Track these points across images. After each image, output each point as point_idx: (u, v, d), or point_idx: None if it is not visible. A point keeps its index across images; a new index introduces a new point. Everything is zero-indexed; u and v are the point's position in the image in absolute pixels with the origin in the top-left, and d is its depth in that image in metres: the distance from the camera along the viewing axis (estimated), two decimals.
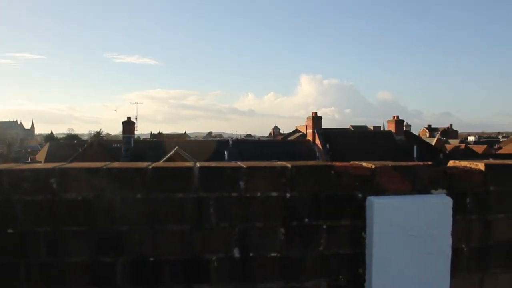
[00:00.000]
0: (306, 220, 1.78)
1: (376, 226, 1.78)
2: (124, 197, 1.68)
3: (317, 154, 33.35)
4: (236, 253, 1.74)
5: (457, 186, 1.95)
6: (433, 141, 57.67)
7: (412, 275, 1.83)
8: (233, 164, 1.77)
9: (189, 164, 1.75)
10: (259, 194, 1.74)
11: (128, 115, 34.11)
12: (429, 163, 1.95)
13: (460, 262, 1.97)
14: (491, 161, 2.09)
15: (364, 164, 1.86)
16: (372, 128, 55.75)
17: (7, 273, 1.66)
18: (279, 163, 1.81)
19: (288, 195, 1.76)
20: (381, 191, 1.84)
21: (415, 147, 33.37)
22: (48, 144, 46.97)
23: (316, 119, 35.60)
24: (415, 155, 31.96)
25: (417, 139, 40.29)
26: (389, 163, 1.88)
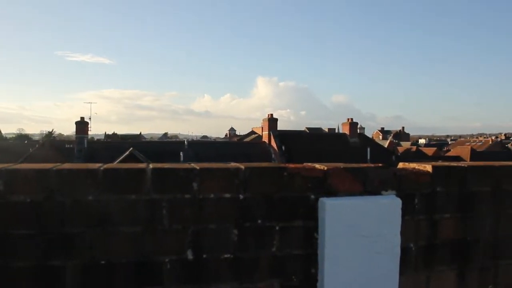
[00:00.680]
0: (259, 221, 1.79)
1: (328, 226, 1.81)
2: (75, 199, 1.65)
3: (273, 155, 33.53)
4: (189, 254, 1.74)
5: (406, 187, 2.01)
6: (386, 144, 59.05)
7: (362, 274, 1.87)
8: (186, 165, 1.76)
9: (142, 165, 1.74)
10: (212, 196, 1.74)
11: (82, 115, 33.39)
12: (380, 165, 2.00)
13: (409, 261, 2.03)
14: (438, 163, 2.17)
15: (317, 165, 1.89)
16: (327, 130, 56.55)
17: None
18: (233, 164, 1.81)
19: (241, 196, 1.77)
20: (333, 192, 1.87)
21: (368, 149, 34.03)
22: None
23: (272, 121, 35.78)
24: (368, 157, 32.60)
25: (370, 141, 41.07)
26: (341, 165, 1.92)
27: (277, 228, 1.82)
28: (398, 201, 1.93)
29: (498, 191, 2.22)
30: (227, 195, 1.76)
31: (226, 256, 1.77)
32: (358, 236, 1.85)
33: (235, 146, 38.65)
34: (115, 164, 1.83)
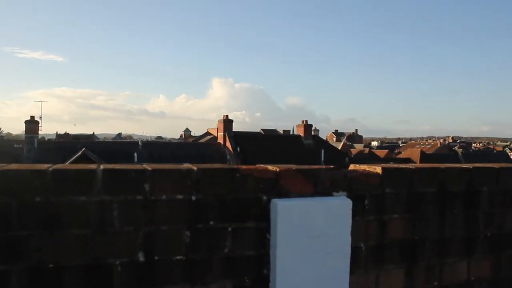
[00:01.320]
0: (212, 222, 1.80)
1: (280, 227, 1.83)
2: (22, 201, 1.60)
3: (228, 156, 33.54)
4: (141, 256, 1.72)
5: (357, 188, 2.05)
6: (339, 146, 60.01)
7: (314, 274, 1.90)
8: (138, 166, 1.74)
9: (92, 166, 1.71)
10: (164, 197, 1.73)
11: (32, 114, 32.43)
12: (331, 166, 2.04)
13: (359, 260, 2.07)
14: (387, 165, 2.23)
15: (269, 167, 1.91)
16: (281, 132, 56.97)
17: None
18: (185, 165, 1.81)
19: (193, 197, 1.76)
20: (285, 194, 1.90)
21: (322, 151, 34.51)
22: None
23: (227, 122, 35.79)
24: (322, 159, 33.05)
25: (324, 143, 41.68)
26: (293, 166, 1.94)
27: (229, 229, 1.82)
28: (349, 202, 1.97)
29: (443, 192, 2.30)
30: (180, 196, 1.75)
31: (178, 257, 1.76)
32: (310, 236, 1.88)
33: (190, 147, 38.46)
34: (64, 165, 1.79)
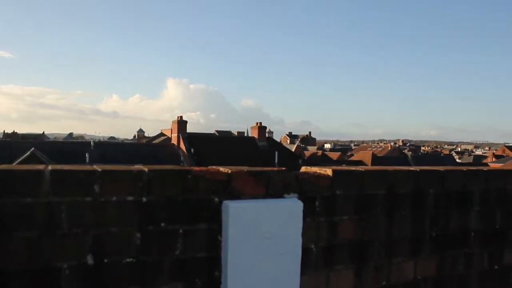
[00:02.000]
0: (163, 224, 1.78)
1: (232, 229, 1.83)
2: None
3: (182, 158, 33.30)
4: (90, 259, 1.68)
5: (308, 190, 2.08)
6: (293, 148, 60.58)
7: (265, 275, 1.91)
8: (87, 167, 1.71)
9: (40, 167, 1.66)
10: (114, 199, 1.70)
11: None
12: (283, 168, 2.06)
13: (309, 261, 2.10)
14: (338, 167, 2.27)
15: (221, 169, 1.91)
16: (236, 133, 57.02)
17: None
18: (136, 167, 1.78)
19: (144, 199, 1.75)
20: (237, 195, 1.90)
21: (276, 153, 34.74)
22: None
23: (181, 123, 35.56)
24: (276, 161, 33.27)
25: (278, 145, 41.99)
26: (245, 168, 1.95)
27: (180, 231, 1.81)
28: (300, 204, 1.99)
29: (392, 194, 2.36)
30: (130, 198, 1.73)
31: (128, 260, 1.74)
32: (261, 238, 1.89)
33: (144, 148, 37.98)
34: (11, 165, 1.74)
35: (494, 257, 2.79)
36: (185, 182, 1.81)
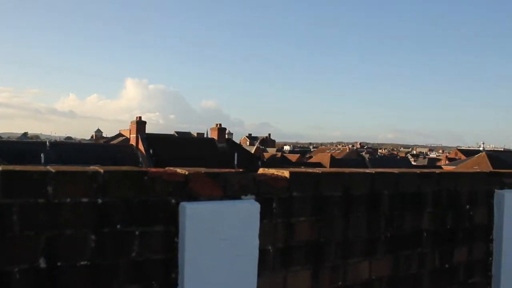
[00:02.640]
0: (119, 226, 1.75)
1: (188, 231, 1.83)
2: None
3: (140, 159, 32.91)
4: (42, 263, 1.64)
5: (265, 191, 2.09)
6: (252, 149, 60.76)
7: (222, 277, 1.91)
8: (41, 168, 1.66)
9: None
10: (68, 200, 1.66)
11: None
12: (241, 170, 2.07)
13: (267, 262, 2.11)
14: (295, 169, 2.29)
15: (178, 170, 1.90)
16: (196, 134, 56.77)
17: None
18: (91, 168, 1.75)
19: (100, 200, 1.71)
20: (194, 197, 1.89)
21: (236, 154, 34.76)
22: None
23: (140, 124, 35.17)
24: (235, 162, 33.29)
25: (238, 147, 42.04)
26: (202, 170, 1.95)
27: (137, 233, 1.79)
28: (257, 205, 2.00)
29: (348, 195, 2.40)
30: (85, 200, 1.69)
31: (83, 263, 1.70)
32: (218, 239, 1.89)
33: (102, 148, 37.35)
34: None
35: (445, 256, 2.87)
36: (141, 183, 1.79)
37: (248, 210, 1.98)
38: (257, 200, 2.04)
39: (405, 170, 2.75)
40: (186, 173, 1.89)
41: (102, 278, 1.74)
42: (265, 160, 47.65)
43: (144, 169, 1.82)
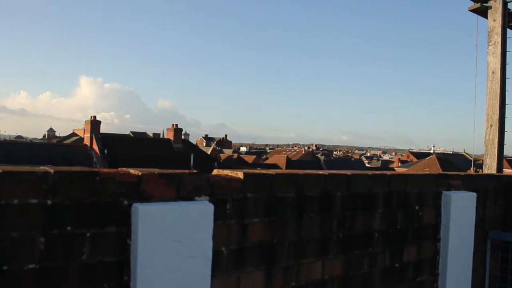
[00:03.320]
0: (69, 228, 1.72)
1: (141, 232, 1.81)
2: None
3: (95, 159, 32.28)
4: None
5: (219, 193, 2.10)
6: (209, 150, 60.61)
7: (175, 278, 1.90)
8: None
9: None
10: (16, 201, 1.61)
11: None
12: (195, 171, 2.06)
13: (220, 263, 2.12)
14: (249, 170, 2.31)
15: (131, 170, 1.88)
16: (151, 135, 56.18)
17: None
18: (41, 168, 1.71)
19: (49, 202, 1.67)
20: (147, 198, 1.88)
21: (192, 155, 34.59)
22: None
23: (95, 123, 34.51)
24: (192, 163, 33.13)
25: (194, 147, 41.83)
26: (156, 171, 1.93)
27: (88, 235, 1.76)
28: (211, 207, 2.00)
29: (301, 196, 2.43)
30: (34, 201, 1.65)
31: (30, 266, 1.66)
32: (171, 241, 1.88)
33: (54, 148, 36.37)
34: None
35: (395, 255, 2.96)
36: (93, 184, 1.76)
37: (201, 211, 1.97)
38: (211, 201, 2.04)
39: (357, 172, 2.81)
40: (139, 173, 1.87)
41: (52, 281, 1.70)
42: (221, 161, 47.61)
43: (96, 169, 1.79)
